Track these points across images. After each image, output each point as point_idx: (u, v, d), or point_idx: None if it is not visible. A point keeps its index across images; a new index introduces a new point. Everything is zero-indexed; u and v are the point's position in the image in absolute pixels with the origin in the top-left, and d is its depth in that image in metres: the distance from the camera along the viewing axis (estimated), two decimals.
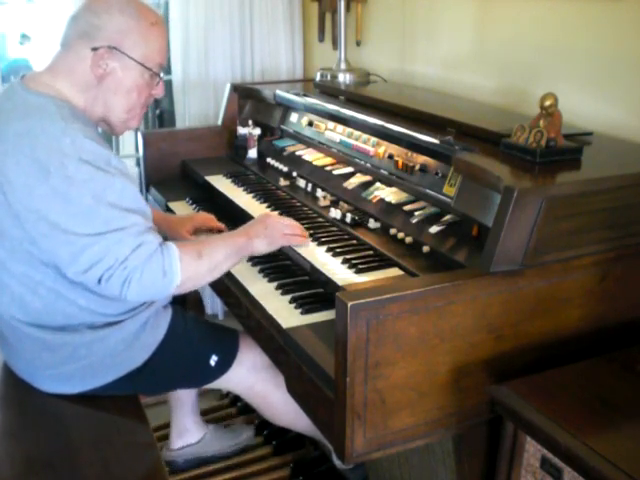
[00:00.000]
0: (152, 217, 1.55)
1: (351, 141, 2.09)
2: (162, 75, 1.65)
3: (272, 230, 1.67)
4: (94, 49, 1.51)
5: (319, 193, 2.04)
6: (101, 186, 1.42)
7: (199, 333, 1.77)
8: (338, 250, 1.68)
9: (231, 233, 1.69)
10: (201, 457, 2.19)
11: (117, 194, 1.44)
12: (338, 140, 2.16)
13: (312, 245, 1.73)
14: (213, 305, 3.33)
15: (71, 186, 1.40)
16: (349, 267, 1.59)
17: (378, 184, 1.91)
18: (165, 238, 1.98)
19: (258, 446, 2.33)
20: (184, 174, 2.60)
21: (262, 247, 1.66)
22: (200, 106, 3.13)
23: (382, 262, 1.60)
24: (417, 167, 1.78)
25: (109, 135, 1.92)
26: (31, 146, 1.41)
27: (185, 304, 2.02)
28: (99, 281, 1.43)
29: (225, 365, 1.77)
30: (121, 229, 1.41)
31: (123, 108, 1.59)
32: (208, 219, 1.99)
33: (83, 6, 1.56)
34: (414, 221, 1.67)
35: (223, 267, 1.58)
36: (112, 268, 1.41)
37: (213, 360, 1.75)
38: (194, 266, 1.51)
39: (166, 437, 2.24)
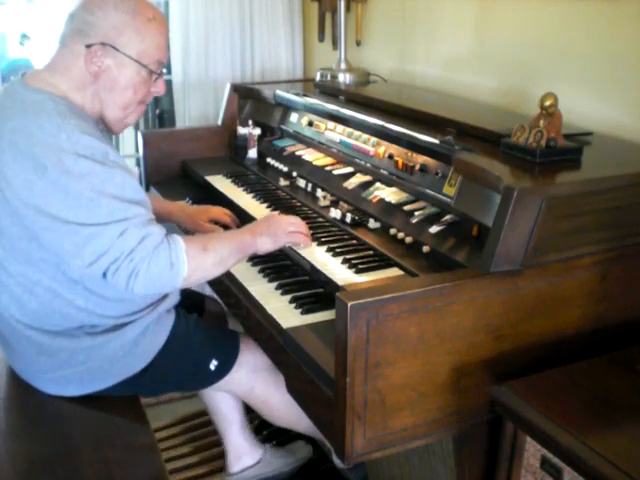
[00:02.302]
0: (153, 209, 1.53)
1: (351, 141, 2.09)
2: (163, 72, 1.63)
3: (276, 228, 1.66)
4: (87, 46, 1.50)
5: (319, 193, 2.04)
6: (101, 179, 1.41)
7: (200, 337, 1.75)
8: (338, 250, 1.68)
9: (236, 230, 1.70)
10: (262, 477, 2.07)
11: (117, 186, 1.42)
12: (338, 140, 2.16)
13: (312, 245, 1.73)
14: None
15: (70, 180, 1.38)
16: (349, 267, 1.59)
17: (378, 184, 1.91)
18: (186, 230, 2.00)
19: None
20: (184, 174, 2.60)
21: (266, 245, 1.65)
22: (200, 106, 3.13)
23: (382, 262, 1.60)
24: (417, 167, 1.78)
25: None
26: (27, 142, 1.40)
27: (203, 314, 1.94)
28: (104, 275, 1.41)
29: (225, 369, 1.76)
30: (125, 220, 1.40)
31: (118, 105, 1.57)
32: (223, 213, 2.01)
33: (80, 3, 1.55)
34: (414, 221, 1.67)
35: (228, 263, 1.57)
36: (118, 260, 1.38)
37: (213, 365, 1.74)
38: (200, 259, 1.49)
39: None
